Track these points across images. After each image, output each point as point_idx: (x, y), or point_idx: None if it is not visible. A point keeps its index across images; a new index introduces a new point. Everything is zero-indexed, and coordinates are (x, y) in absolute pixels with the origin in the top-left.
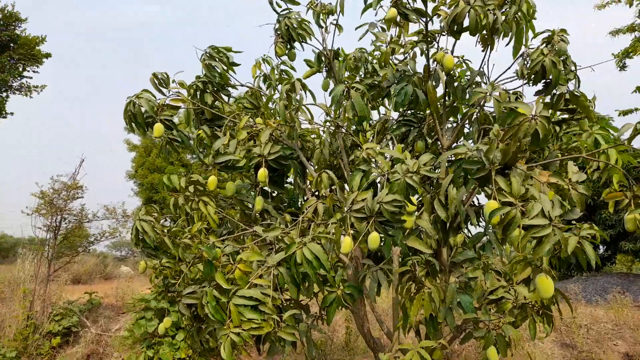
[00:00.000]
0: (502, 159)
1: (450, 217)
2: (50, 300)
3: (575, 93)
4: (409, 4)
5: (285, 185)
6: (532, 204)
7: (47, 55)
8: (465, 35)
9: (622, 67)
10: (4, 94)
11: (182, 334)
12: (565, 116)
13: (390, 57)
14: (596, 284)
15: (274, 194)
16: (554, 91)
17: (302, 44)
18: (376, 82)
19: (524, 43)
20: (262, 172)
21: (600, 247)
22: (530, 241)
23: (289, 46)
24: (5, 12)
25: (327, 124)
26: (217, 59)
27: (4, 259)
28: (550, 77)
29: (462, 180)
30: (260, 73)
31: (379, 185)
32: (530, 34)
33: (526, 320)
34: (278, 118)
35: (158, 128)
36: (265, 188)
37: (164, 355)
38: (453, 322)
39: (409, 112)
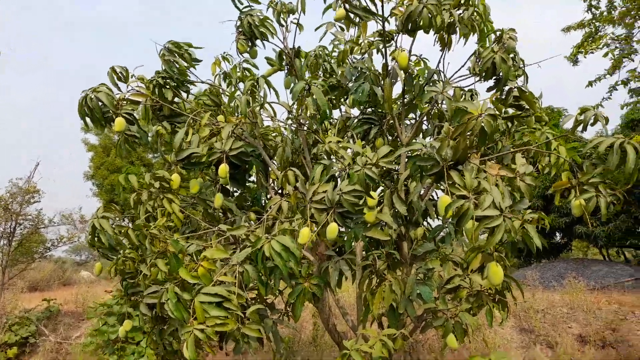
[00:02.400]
0: (453, 155)
1: (410, 211)
2: (5, 309)
3: (523, 89)
4: (358, 3)
5: (247, 184)
6: (484, 197)
7: None
8: (426, 36)
9: (575, 62)
10: None
11: (147, 339)
12: (514, 112)
13: (349, 56)
14: (553, 270)
15: (237, 193)
16: (505, 87)
17: (264, 42)
18: (337, 82)
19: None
20: (223, 168)
21: (557, 234)
22: (483, 231)
23: (250, 44)
24: None
25: (289, 121)
26: (177, 55)
27: None
28: (500, 73)
29: (419, 175)
30: (220, 71)
31: (339, 180)
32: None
33: (484, 308)
34: (240, 115)
35: (120, 122)
36: (227, 186)
37: None
38: (413, 312)
39: (369, 109)
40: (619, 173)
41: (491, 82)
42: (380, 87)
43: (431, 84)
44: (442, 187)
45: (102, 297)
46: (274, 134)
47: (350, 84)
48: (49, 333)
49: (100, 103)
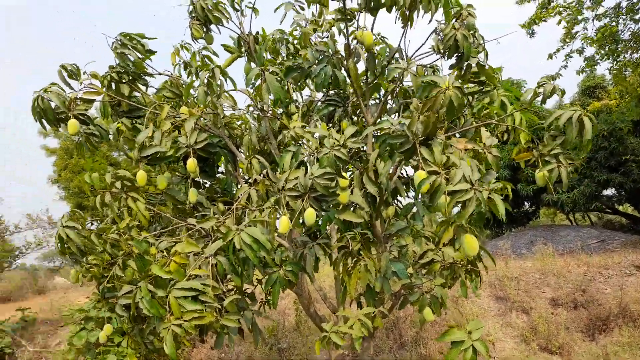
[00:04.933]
0: (423, 131)
1: (381, 191)
2: None
3: (482, 64)
4: None
5: (217, 174)
6: (454, 171)
7: None
8: (387, 14)
9: (532, 34)
10: None
11: (128, 339)
12: (476, 88)
13: (312, 36)
14: (524, 238)
15: (207, 185)
16: (466, 63)
17: (219, 27)
18: (298, 64)
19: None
20: (191, 163)
21: (526, 203)
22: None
23: (205, 29)
24: None
25: (251, 108)
26: (130, 47)
27: None
28: (462, 50)
29: (388, 154)
30: (180, 60)
31: (307, 164)
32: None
33: (458, 280)
34: (201, 106)
35: (72, 124)
36: (197, 179)
37: None
38: (389, 290)
39: (332, 92)
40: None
41: (453, 60)
42: (343, 70)
43: (393, 62)
44: (412, 165)
45: (77, 303)
46: (238, 122)
47: (314, 67)
48: (26, 343)
49: (53, 104)
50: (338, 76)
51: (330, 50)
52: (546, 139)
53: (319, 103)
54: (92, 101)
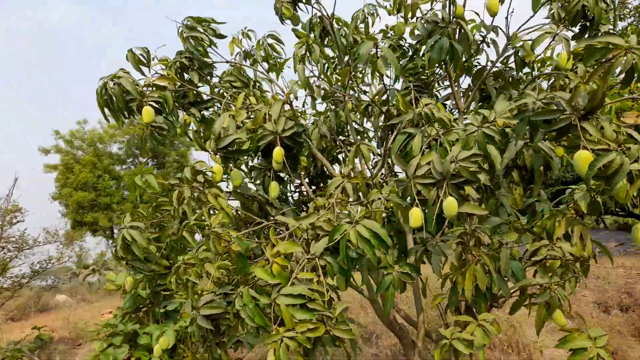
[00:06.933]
0: (589, 103)
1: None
2: None
3: (611, 32)
4: None
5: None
6: (636, 147)
7: None
8: None
9: None
10: None
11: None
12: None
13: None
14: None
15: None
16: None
17: (307, 6)
18: (400, 43)
19: None
20: (279, 152)
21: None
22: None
23: (294, 8)
24: None
25: (351, 91)
26: (200, 31)
27: None
28: (593, 16)
29: (527, 134)
30: (240, 50)
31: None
32: None
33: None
34: (287, 90)
35: (148, 111)
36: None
37: None
38: (508, 292)
39: (411, 77)
40: None
41: (576, 29)
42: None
43: (489, 42)
44: (561, 145)
45: (100, 317)
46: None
47: (427, 40)
48: None
49: (122, 91)
50: (457, 48)
51: (443, 19)
52: None
53: (398, 89)
54: (164, 88)
